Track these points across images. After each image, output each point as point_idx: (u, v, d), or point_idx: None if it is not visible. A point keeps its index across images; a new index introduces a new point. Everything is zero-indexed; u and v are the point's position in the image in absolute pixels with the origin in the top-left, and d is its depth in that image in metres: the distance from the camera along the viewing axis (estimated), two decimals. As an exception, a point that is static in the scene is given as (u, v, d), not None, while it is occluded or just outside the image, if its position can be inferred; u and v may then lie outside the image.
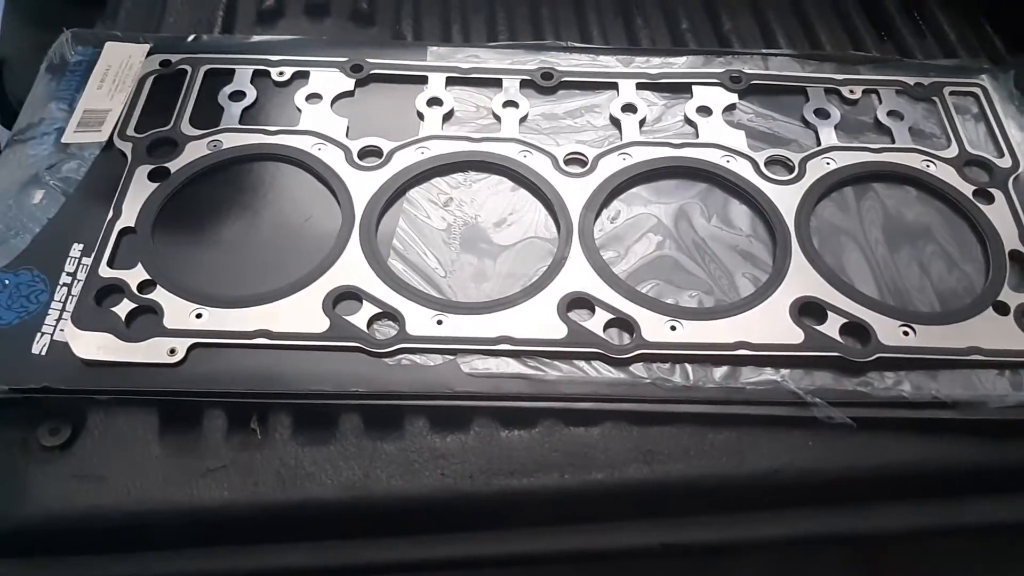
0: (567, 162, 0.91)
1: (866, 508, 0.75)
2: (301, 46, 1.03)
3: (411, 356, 0.75)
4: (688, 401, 0.74)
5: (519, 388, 0.74)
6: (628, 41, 1.10)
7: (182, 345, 0.76)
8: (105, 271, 0.81)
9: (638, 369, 0.75)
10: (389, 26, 1.10)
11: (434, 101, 0.97)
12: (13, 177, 0.89)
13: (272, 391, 0.73)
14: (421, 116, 0.96)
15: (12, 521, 0.68)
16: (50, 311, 0.79)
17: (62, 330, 0.77)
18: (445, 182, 0.91)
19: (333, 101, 0.97)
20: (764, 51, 1.05)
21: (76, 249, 0.83)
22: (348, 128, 0.94)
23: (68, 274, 0.81)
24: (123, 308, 0.78)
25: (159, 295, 0.79)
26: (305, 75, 1.00)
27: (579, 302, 0.79)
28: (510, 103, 0.97)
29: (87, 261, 0.82)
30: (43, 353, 0.76)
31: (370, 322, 0.77)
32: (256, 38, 1.04)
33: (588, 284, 0.80)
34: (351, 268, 0.81)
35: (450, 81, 0.99)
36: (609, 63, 1.02)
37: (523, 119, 0.96)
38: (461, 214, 0.88)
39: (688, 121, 0.97)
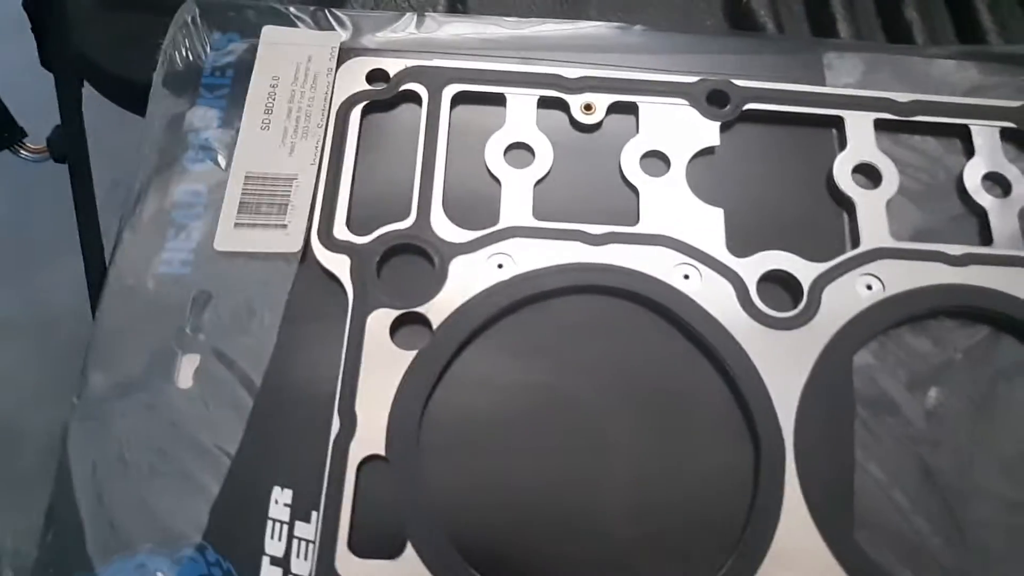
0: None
1: None
2: (593, 44, 0.64)
3: None
4: None
5: None
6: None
7: None
8: (346, 562, 0.48)
9: None
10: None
11: (864, 169, 0.60)
12: (136, 341, 0.55)
13: None
14: (845, 201, 0.60)
15: None
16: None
17: None
18: (913, 340, 0.57)
19: (687, 166, 0.59)
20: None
21: (280, 501, 0.50)
22: (725, 228, 0.57)
23: (273, 560, 0.49)
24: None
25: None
26: (629, 109, 0.61)
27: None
28: (993, 177, 0.61)
29: (306, 531, 0.49)
30: None
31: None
32: (509, 27, 0.64)
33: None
34: (798, 540, 0.51)
35: (880, 126, 0.61)
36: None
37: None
38: (952, 412, 0.55)
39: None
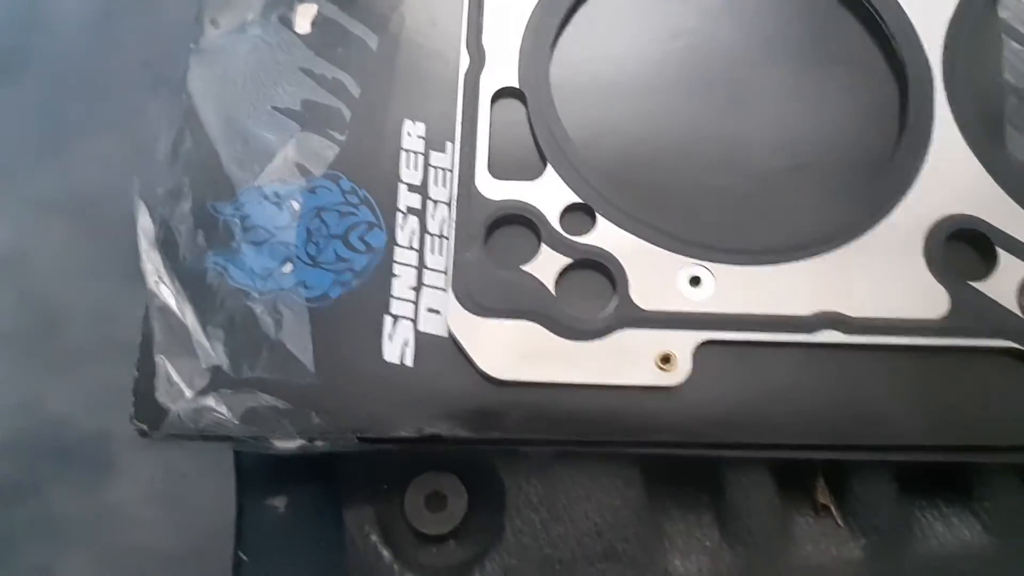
0: None
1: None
2: None
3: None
4: None
5: None
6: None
7: (683, 346, 0.42)
8: (486, 183, 0.46)
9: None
10: None
11: None
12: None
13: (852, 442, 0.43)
14: None
15: None
16: (396, 268, 0.44)
17: (433, 309, 0.43)
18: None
19: None
20: None
21: (413, 133, 0.48)
22: None
23: (411, 188, 0.46)
24: (546, 265, 0.44)
25: (606, 234, 0.45)
26: None
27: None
28: None
29: (442, 160, 0.47)
30: (406, 362, 0.42)
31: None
32: None
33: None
34: (949, 158, 0.48)
35: None
36: None
37: None
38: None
39: None
